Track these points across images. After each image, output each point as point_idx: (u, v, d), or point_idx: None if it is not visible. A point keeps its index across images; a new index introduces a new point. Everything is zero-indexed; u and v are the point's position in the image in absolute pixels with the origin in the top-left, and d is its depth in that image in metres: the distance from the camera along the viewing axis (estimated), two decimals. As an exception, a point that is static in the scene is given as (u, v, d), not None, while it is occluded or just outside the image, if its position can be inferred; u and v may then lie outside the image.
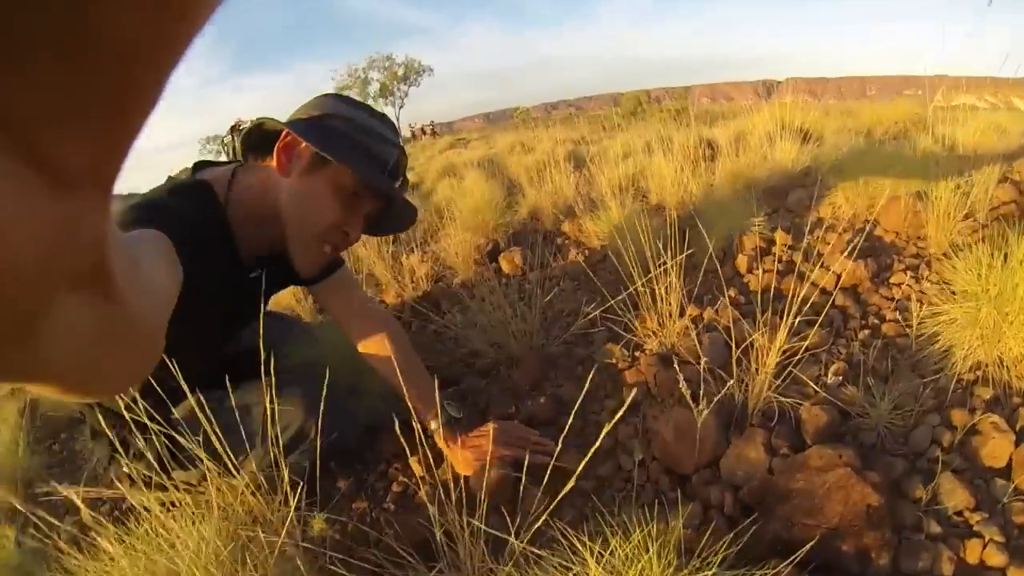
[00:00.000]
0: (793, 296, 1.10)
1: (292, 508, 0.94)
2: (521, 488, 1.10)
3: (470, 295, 1.66)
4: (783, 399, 1.05)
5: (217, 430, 0.96)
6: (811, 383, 1.11)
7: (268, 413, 0.98)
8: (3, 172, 0.14)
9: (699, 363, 1.24)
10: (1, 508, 1.56)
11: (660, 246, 1.38)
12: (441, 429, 1.18)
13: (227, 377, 1.04)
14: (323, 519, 1.12)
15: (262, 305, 1.33)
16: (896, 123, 3.13)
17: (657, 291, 1.36)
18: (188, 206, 0.96)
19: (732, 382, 1.09)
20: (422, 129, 30.32)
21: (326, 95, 1.09)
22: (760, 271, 1.63)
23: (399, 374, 1.23)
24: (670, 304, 1.36)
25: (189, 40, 0.16)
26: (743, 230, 1.83)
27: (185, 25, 0.15)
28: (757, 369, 1.07)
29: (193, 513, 0.93)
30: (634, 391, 1.26)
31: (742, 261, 1.73)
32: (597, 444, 0.82)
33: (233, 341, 1.27)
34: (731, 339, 1.26)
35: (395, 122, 1.13)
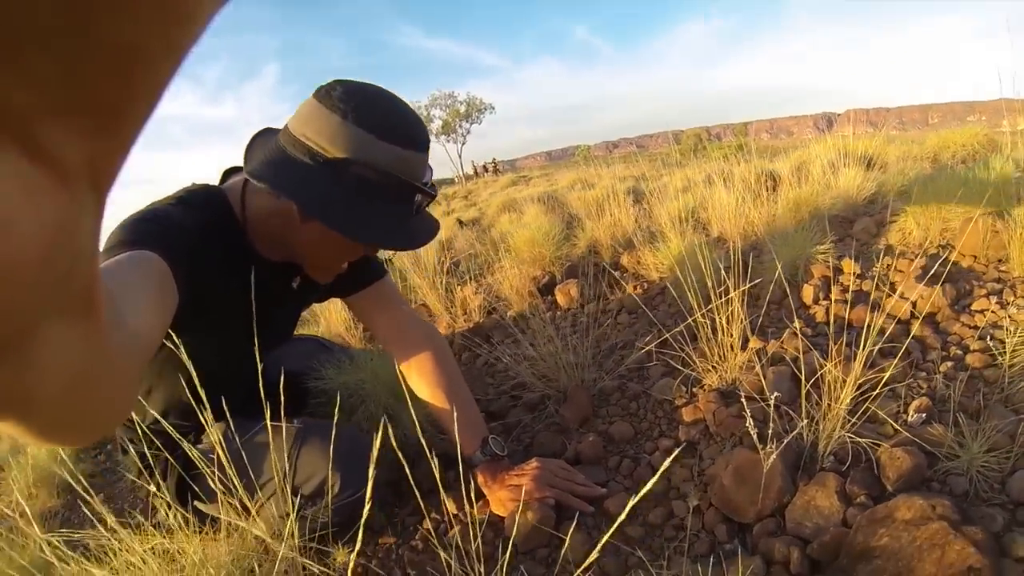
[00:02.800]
0: (868, 326, 1.00)
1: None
2: (564, 532, 1.03)
3: (522, 328, 1.61)
4: (859, 439, 0.95)
5: (232, 474, 0.94)
6: (891, 420, 1.00)
7: (288, 457, 0.97)
8: (9, 170, 0.15)
9: (763, 399, 1.15)
10: (43, 510, 1.62)
11: (722, 273, 1.31)
12: (481, 465, 1.13)
13: (263, 402, 1.03)
14: (346, 552, 1.07)
15: (296, 312, 1.31)
16: (964, 146, 2.92)
17: (718, 321, 1.28)
18: (196, 214, 0.93)
19: (803, 421, 1.00)
20: (484, 167, 30.98)
21: (350, 101, 0.88)
22: (829, 301, 1.52)
23: (442, 399, 1.18)
24: (732, 335, 1.27)
25: (187, 47, 0.16)
26: (808, 259, 1.72)
27: (183, 32, 0.16)
28: (829, 405, 0.97)
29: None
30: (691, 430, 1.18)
31: (808, 291, 1.62)
32: (648, 487, 0.70)
33: (271, 363, 1.26)
34: (800, 372, 1.17)
35: (428, 129, 0.99)
